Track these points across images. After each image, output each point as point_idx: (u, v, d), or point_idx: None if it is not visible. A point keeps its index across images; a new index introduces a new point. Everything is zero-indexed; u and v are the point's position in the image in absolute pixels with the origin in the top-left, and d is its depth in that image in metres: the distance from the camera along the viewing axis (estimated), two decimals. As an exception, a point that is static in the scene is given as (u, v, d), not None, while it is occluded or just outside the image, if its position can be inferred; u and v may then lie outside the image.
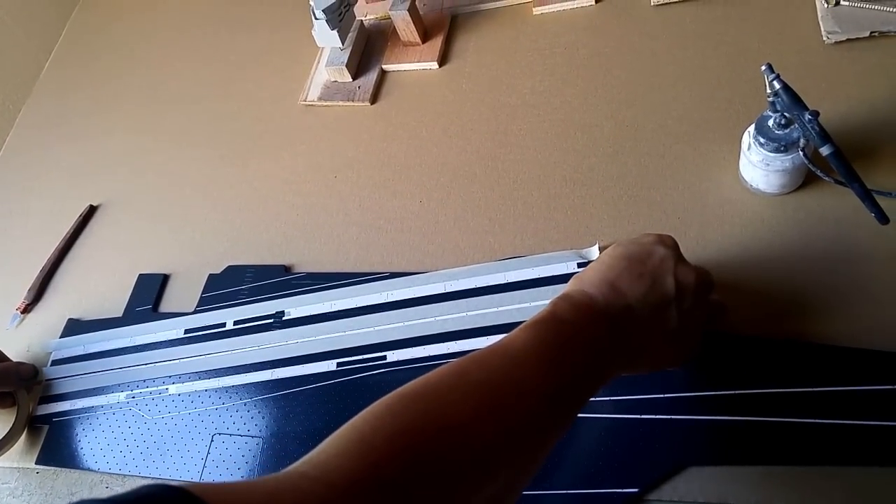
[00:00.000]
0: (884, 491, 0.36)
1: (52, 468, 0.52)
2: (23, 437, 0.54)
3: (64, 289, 0.64)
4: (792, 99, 0.41)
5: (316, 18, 0.62)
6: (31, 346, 0.60)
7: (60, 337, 0.60)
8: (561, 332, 0.33)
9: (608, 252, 0.37)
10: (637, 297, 0.34)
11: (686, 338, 0.36)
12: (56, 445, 0.53)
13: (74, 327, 0.60)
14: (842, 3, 0.53)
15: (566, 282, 0.47)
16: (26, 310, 0.63)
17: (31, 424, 0.55)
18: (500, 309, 0.48)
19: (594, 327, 0.33)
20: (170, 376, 0.53)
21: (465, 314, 0.49)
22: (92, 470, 0.51)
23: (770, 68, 0.42)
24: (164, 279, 0.60)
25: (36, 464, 0.53)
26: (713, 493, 0.38)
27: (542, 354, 0.32)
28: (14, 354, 0.58)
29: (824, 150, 0.40)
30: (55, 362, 0.58)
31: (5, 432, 0.53)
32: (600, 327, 0.33)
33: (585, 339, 0.33)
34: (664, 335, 0.35)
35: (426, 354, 0.48)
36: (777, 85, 0.41)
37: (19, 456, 0.54)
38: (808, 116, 0.41)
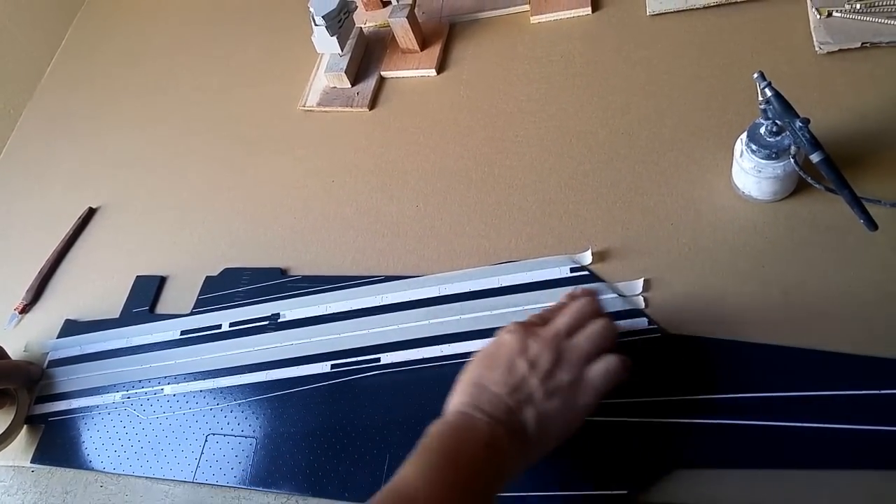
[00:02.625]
0: (870, 494, 0.36)
1: (47, 467, 0.53)
2: (20, 435, 0.54)
3: (62, 290, 0.64)
4: (783, 106, 0.42)
5: (315, 24, 0.63)
6: (29, 346, 0.60)
7: (57, 337, 0.60)
8: (447, 456, 0.35)
9: (471, 361, 0.40)
10: (498, 384, 0.37)
11: (571, 402, 0.37)
12: (52, 444, 0.53)
13: (71, 328, 0.60)
14: (834, 14, 0.54)
15: (559, 286, 0.48)
16: (24, 310, 0.63)
17: (27, 423, 0.55)
18: (494, 312, 0.48)
19: (473, 432, 0.36)
20: (165, 377, 0.54)
21: (459, 317, 0.49)
22: (87, 469, 0.51)
23: (762, 76, 0.42)
24: (162, 281, 0.60)
25: (32, 462, 0.53)
26: (701, 495, 0.38)
27: (436, 495, 0.33)
28: (11, 354, 0.59)
29: (814, 157, 0.41)
30: (52, 363, 0.58)
31: (3, 430, 0.53)
32: (477, 428, 0.36)
33: (471, 448, 0.35)
34: (542, 409, 0.37)
35: (420, 357, 0.48)
36: (769, 92, 0.42)
37: (15, 454, 0.54)
38: (798, 124, 0.41)
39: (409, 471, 0.35)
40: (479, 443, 0.35)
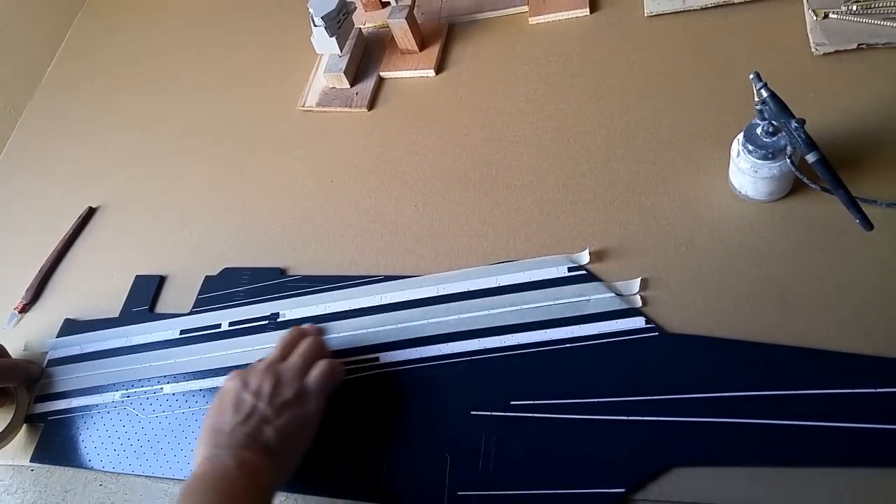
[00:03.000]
0: (866, 492, 0.36)
1: (47, 466, 0.53)
2: (19, 434, 0.54)
3: (62, 289, 0.64)
4: (779, 107, 0.42)
5: (315, 25, 0.64)
6: (28, 346, 0.60)
7: (57, 337, 0.60)
8: (207, 496, 0.38)
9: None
10: (230, 422, 0.41)
11: (301, 410, 0.43)
12: (51, 443, 0.53)
13: (71, 327, 0.60)
14: (830, 15, 0.54)
15: (557, 286, 0.48)
16: (24, 309, 0.63)
17: (26, 422, 0.55)
18: (492, 312, 0.48)
19: (222, 468, 0.39)
20: (165, 376, 0.54)
21: (457, 317, 0.49)
22: (86, 468, 0.51)
23: (758, 77, 0.43)
24: (161, 280, 0.60)
25: (31, 461, 0.53)
26: (698, 493, 0.38)
27: None
28: (11, 353, 0.59)
29: (810, 158, 0.41)
30: (51, 362, 0.59)
31: (2, 429, 0.53)
32: (224, 463, 0.39)
33: (227, 481, 0.38)
34: (277, 424, 0.41)
35: (418, 356, 0.48)
36: (765, 93, 0.42)
37: (14, 453, 0.54)
38: (794, 124, 0.41)
39: None
40: (231, 473, 0.38)
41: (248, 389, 0.43)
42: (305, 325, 0.51)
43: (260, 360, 0.46)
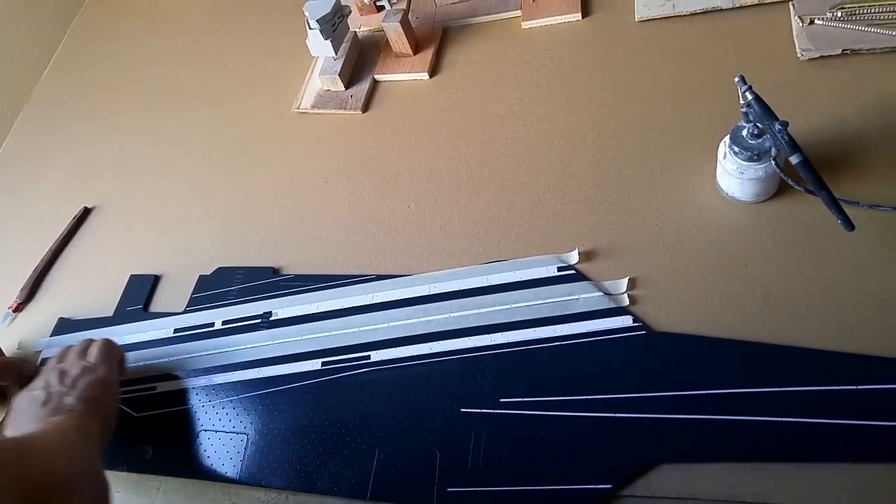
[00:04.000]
0: (847, 486, 0.37)
1: (39, 463, 0.53)
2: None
3: (56, 289, 0.64)
4: (763, 109, 0.43)
5: (310, 28, 0.64)
6: (22, 344, 0.61)
7: (51, 336, 0.60)
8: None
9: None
10: (34, 408, 0.45)
11: (94, 377, 0.47)
12: (43, 441, 0.54)
13: (65, 326, 0.60)
14: (816, 22, 0.55)
15: (546, 285, 0.49)
16: (18, 309, 0.63)
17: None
18: (483, 311, 0.49)
19: (44, 441, 0.42)
20: (157, 375, 0.54)
21: (448, 315, 0.50)
22: (78, 466, 0.51)
23: (743, 80, 0.44)
24: (156, 280, 0.61)
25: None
26: (684, 488, 0.39)
27: None
28: (6, 352, 0.59)
29: (793, 159, 0.42)
30: (45, 361, 0.59)
31: None
32: (46, 432, 0.42)
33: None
34: (79, 394, 0.45)
35: (409, 354, 0.49)
36: (749, 96, 0.43)
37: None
38: (778, 126, 0.42)
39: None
40: (49, 433, 0.42)
41: (43, 384, 0.47)
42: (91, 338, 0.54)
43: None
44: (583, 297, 0.47)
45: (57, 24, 0.92)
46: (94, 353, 0.50)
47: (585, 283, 0.48)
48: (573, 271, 0.49)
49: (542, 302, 0.48)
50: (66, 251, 0.67)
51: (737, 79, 0.43)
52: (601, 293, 0.47)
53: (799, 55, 0.54)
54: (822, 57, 0.53)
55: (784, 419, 0.39)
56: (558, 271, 0.49)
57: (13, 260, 0.68)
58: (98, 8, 0.94)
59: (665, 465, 0.40)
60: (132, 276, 0.62)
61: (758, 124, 0.44)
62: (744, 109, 0.44)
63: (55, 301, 0.63)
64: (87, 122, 0.79)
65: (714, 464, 0.39)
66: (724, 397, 0.41)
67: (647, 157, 0.54)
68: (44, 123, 0.82)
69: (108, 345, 0.52)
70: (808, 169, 0.41)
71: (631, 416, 0.42)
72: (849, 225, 0.41)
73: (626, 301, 0.46)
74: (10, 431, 0.44)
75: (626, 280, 0.47)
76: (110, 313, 0.60)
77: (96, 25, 0.92)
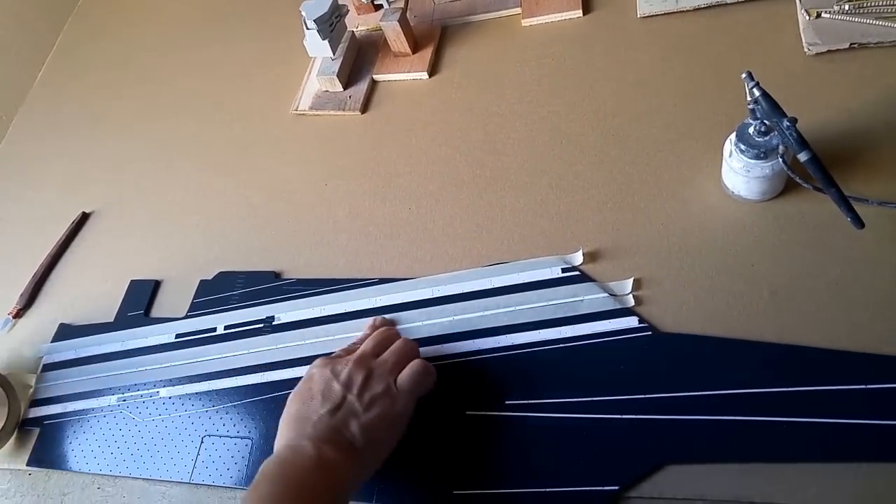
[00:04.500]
0: (857, 486, 0.36)
1: (45, 469, 0.53)
2: (12, 439, 0.54)
3: (56, 294, 0.64)
4: (771, 106, 0.42)
5: (307, 28, 0.64)
6: (22, 351, 0.60)
7: (52, 342, 0.60)
8: (279, 487, 0.36)
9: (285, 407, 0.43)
10: (317, 411, 0.40)
11: (390, 408, 0.41)
12: (47, 448, 0.53)
13: (66, 332, 0.60)
14: (823, 15, 0.54)
15: (551, 286, 0.48)
16: (18, 315, 0.63)
17: (21, 427, 0.55)
18: (487, 313, 0.49)
19: (301, 459, 0.38)
20: (160, 380, 0.54)
21: (451, 318, 0.49)
22: (84, 471, 0.51)
23: (750, 76, 0.43)
24: (156, 285, 0.60)
25: (27, 465, 0.53)
26: (691, 489, 0.38)
27: None
28: (5, 358, 0.59)
29: (802, 157, 0.41)
30: (46, 367, 0.59)
31: None
32: (304, 454, 0.38)
33: (301, 474, 0.37)
34: (364, 420, 0.40)
35: (413, 358, 0.48)
36: (757, 92, 0.43)
37: (10, 458, 0.54)
38: (786, 123, 0.42)
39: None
40: (309, 467, 0.37)
41: (339, 380, 0.41)
42: (388, 318, 0.49)
43: (346, 350, 0.45)
44: (587, 298, 0.47)
45: (49, 27, 0.91)
46: (407, 376, 0.42)
47: (590, 284, 0.47)
48: (577, 272, 0.48)
49: (546, 304, 0.47)
50: (66, 256, 0.67)
51: (744, 75, 0.43)
52: (606, 294, 0.47)
53: (806, 50, 0.53)
54: (829, 51, 0.52)
55: (792, 419, 0.39)
56: (562, 272, 0.49)
57: (12, 265, 0.67)
58: (90, 10, 0.94)
59: (672, 465, 0.39)
60: (132, 281, 0.61)
61: (765, 121, 0.43)
62: (751, 106, 0.43)
63: (55, 307, 0.63)
64: (82, 125, 0.79)
65: (722, 465, 0.39)
66: (731, 398, 0.40)
67: (651, 155, 0.53)
68: (39, 128, 0.82)
69: (427, 372, 0.43)
70: (817, 166, 0.41)
71: (637, 417, 0.41)
72: (858, 223, 0.41)
73: (631, 302, 0.46)
74: (295, 407, 0.41)
75: (630, 280, 0.47)
76: (111, 319, 0.60)
77: (89, 28, 0.91)
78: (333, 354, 0.45)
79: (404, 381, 0.42)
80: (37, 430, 0.55)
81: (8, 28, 0.87)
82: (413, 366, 0.43)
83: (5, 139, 0.82)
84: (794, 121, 0.42)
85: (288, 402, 0.42)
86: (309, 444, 0.38)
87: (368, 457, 0.40)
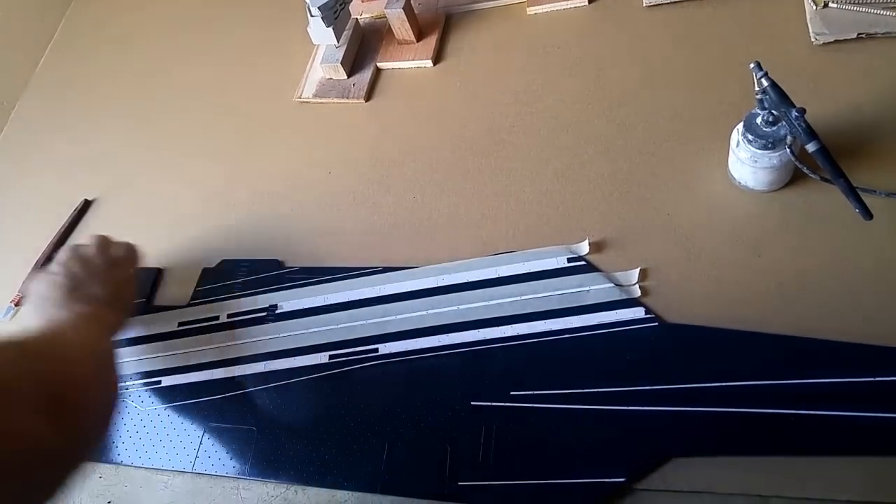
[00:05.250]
0: (864, 479, 0.36)
1: (45, 459, 0.53)
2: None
3: (58, 282, 0.64)
4: (779, 96, 0.42)
5: (311, 16, 0.63)
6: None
7: (54, 330, 0.60)
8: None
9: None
10: (59, 297, 0.46)
11: (115, 272, 0.50)
12: (48, 437, 0.53)
13: (68, 320, 0.60)
14: (830, 5, 0.54)
15: (556, 276, 0.48)
16: (20, 302, 0.63)
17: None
18: (492, 303, 0.48)
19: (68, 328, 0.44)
20: (163, 369, 0.54)
21: (456, 308, 0.49)
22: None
23: (758, 66, 0.43)
24: (159, 273, 0.60)
25: (28, 454, 0.53)
26: (697, 482, 0.38)
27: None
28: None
29: (810, 147, 0.41)
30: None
31: None
32: (66, 319, 0.45)
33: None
34: (103, 280, 0.48)
35: (418, 347, 0.48)
36: (765, 82, 0.42)
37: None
38: (794, 113, 0.41)
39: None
40: (71, 319, 0.44)
41: (57, 272, 0.48)
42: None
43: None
44: (593, 288, 0.47)
45: (51, 13, 0.90)
46: (120, 251, 0.52)
47: (596, 274, 0.47)
48: (583, 262, 0.48)
49: (551, 294, 0.47)
50: (68, 244, 0.66)
51: (752, 65, 0.42)
52: (612, 284, 0.46)
53: (813, 40, 0.53)
54: (836, 41, 0.52)
55: (799, 412, 0.39)
56: (568, 262, 0.48)
57: (14, 253, 0.67)
58: (92, -4, 0.93)
59: (678, 458, 0.39)
60: (135, 269, 0.61)
61: (773, 111, 0.43)
62: (759, 96, 0.43)
63: (57, 295, 0.63)
64: (85, 112, 0.78)
65: (729, 457, 0.39)
66: (738, 389, 0.40)
67: (657, 145, 0.53)
68: (41, 114, 0.81)
69: (132, 248, 0.53)
70: (825, 157, 0.40)
71: (643, 408, 0.41)
72: (867, 214, 0.40)
73: (637, 292, 0.46)
74: (36, 315, 0.45)
75: (637, 271, 0.47)
76: (113, 307, 0.59)
77: (91, 15, 0.90)
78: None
79: (120, 251, 0.52)
80: (39, 418, 0.55)
81: (10, 14, 0.86)
82: (120, 243, 0.53)
83: (8, 126, 0.81)
84: (802, 111, 0.41)
85: (32, 290, 0.48)
86: (63, 311, 0.45)
87: (121, 307, 0.49)
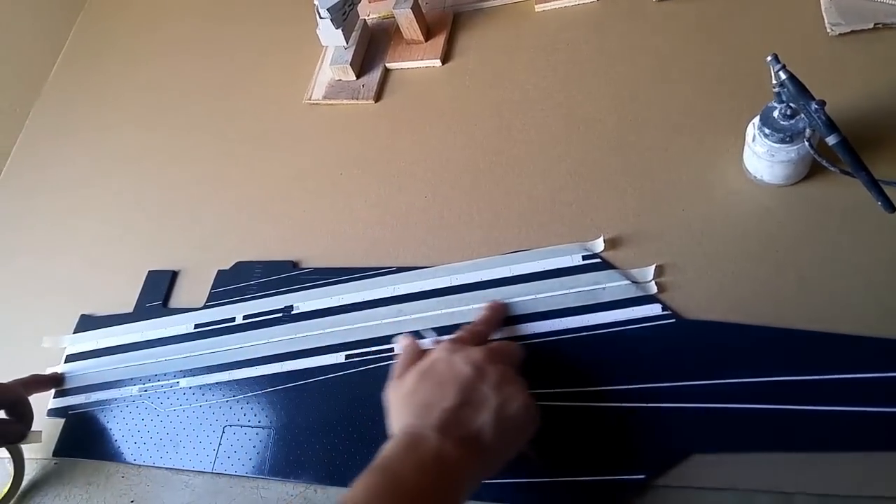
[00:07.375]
0: (887, 475, 0.36)
1: (70, 459, 0.53)
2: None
3: (76, 286, 0.64)
4: (798, 89, 0.41)
5: (320, 17, 0.63)
6: (45, 342, 0.61)
7: (74, 332, 0.60)
8: (393, 476, 0.34)
9: (402, 382, 0.40)
10: (447, 398, 0.37)
11: (515, 405, 0.37)
12: (73, 437, 0.54)
13: (87, 323, 0.61)
14: (845, -6, 0.53)
15: (572, 274, 0.48)
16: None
17: (47, 416, 0.56)
18: (507, 301, 0.48)
19: (420, 450, 0.35)
20: (181, 370, 0.54)
21: (471, 307, 0.49)
22: (108, 460, 0.52)
23: (776, 58, 0.42)
24: (174, 275, 0.61)
25: (53, 455, 0.54)
26: (718, 478, 0.38)
27: None
28: (29, 348, 0.59)
29: (831, 140, 0.40)
30: (69, 357, 0.59)
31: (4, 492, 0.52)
32: (425, 446, 0.35)
33: (418, 466, 0.34)
34: (500, 415, 0.36)
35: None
36: (783, 75, 0.42)
37: (38, 447, 0.54)
38: (814, 106, 0.41)
39: (356, 493, 0.34)
40: (427, 460, 0.34)
41: (472, 368, 0.38)
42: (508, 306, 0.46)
43: (468, 332, 0.43)
44: (609, 285, 0.46)
45: (62, 21, 0.91)
46: (510, 355, 0.40)
47: (611, 271, 0.47)
48: (598, 259, 0.48)
49: (567, 291, 0.47)
50: (84, 248, 0.67)
51: (769, 58, 0.42)
52: (628, 281, 0.46)
53: (828, 30, 0.52)
54: (852, 32, 0.51)
55: (821, 407, 0.38)
56: (583, 260, 0.48)
57: (34, 259, 0.68)
58: (102, 2, 0.93)
59: (699, 455, 0.39)
60: (150, 271, 0.62)
61: (791, 104, 0.42)
62: (776, 89, 0.42)
63: (75, 298, 0.63)
64: (98, 118, 0.79)
65: (749, 454, 0.38)
66: (757, 385, 0.40)
67: (670, 140, 0.52)
68: (55, 121, 0.82)
69: (515, 348, 0.42)
70: (846, 149, 0.40)
71: (662, 405, 0.41)
72: (890, 206, 0.40)
73: (653, 289, 0.46)
74: (422, 396, 0.37)
75: (653, 267, 0.46)
76: (130, 309, 0.60)
77: (102, 19, 0.91)
78: (456, 336, 0.42)
79: (511, 357, 0.41)
80: (62, 421, 0.55)
81: (22, 23, 0.87)
82: (505, 346, 0.42)
83: (22, 133, 0.82)
84: (822, 103, 0.41)
85: (405, 380, 0.39)
86: (433, 435, 0.35)
87: (494, 454, 0.36)
